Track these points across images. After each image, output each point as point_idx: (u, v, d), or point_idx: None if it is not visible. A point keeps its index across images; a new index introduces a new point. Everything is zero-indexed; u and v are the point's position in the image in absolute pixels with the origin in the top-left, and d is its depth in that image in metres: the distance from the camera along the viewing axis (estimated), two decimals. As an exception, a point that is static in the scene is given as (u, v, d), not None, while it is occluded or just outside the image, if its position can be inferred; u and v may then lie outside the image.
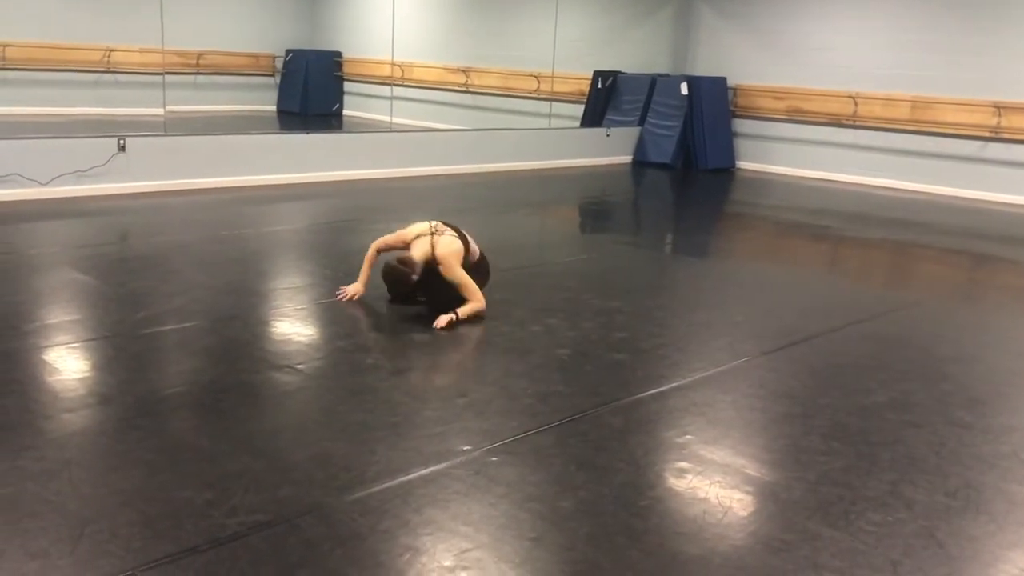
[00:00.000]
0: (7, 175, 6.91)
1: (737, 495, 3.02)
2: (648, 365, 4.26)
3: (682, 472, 3.16)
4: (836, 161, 11.31)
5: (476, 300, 4.67)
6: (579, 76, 12.34)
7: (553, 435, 3.39)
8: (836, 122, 11.24)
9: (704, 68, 12.21)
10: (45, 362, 3.92)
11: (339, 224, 7.35)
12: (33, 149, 7.17)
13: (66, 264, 5.58)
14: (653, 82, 12.05)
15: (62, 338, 4.22)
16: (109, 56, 12.49)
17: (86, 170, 7.33)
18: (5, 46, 11.60)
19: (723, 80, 11.95)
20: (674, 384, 3.99)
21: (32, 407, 3.44)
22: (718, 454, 3.31)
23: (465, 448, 3.22)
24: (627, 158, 12.10)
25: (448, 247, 4.76)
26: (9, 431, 3.20)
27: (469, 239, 4.96)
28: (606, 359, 4.28)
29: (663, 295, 5.80)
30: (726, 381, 4.08)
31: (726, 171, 11.89)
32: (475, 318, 4.67)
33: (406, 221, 7.66)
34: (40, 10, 11.64)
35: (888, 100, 10.79)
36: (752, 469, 3.24)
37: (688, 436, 3.45)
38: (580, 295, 5.43)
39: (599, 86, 12.23)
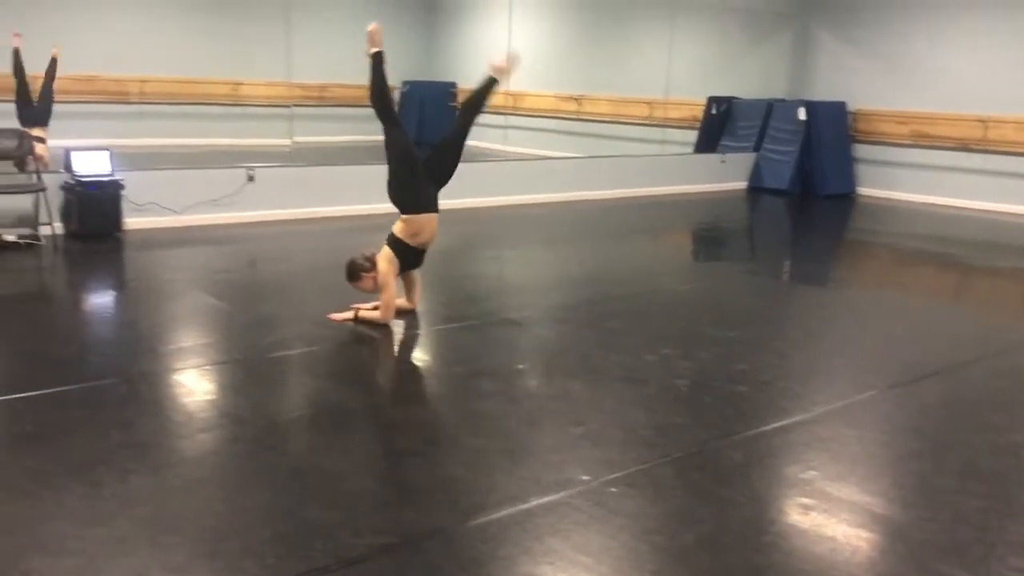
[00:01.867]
0: (146, 204, 7.32)
1: (865, 534, 2.92)
2: (769, 397, 4.17)
3: (806, 508, 3.08)
4: (963, 187, 10.85)
5: (385, 310, 4.94)
6: (692, 102, 12.24)
7: (672, 467, 3.35)
8: (964, 147, 10.79)
9: (822, 93, 11.94)
10: (181, 383, 4.12)
11: (454, 251, 7.47)
12: (170, 180, 7.57)
13: (199, 289, 5.86)
14: (769, 107, 11.85)
15: (196, 360, 4.43)
16: (238, 90, 13.11)
17: (218, 199, 7.70)
18: (143, 82, 12.32)
19: (842, 105, 11.66)
20: (797, 418, 3.90)
21: (169, 427, 3.62)
22: (844, 491, 3.21)
23: (584, 478, 3.21)
24: (742, 184, 11.92)
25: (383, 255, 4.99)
26: (149, 449, 3.37)
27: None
28: (725, 390, 4.21)
29: (783, 325, 5.67)
30: (851, 415, 3.96)
31: (846, 197, 11.56)
32: (373, 323, 4.95)
33: (518, 248, 7.78)
34: (175, 48, 12.31)
35: (1021, 124, 10.30)
36: (880, 507, 3.13)
37: (812, 472, 3.36)
38: (696, 324, 5.37)
39: (713, 112, 12.11)
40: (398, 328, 5.11)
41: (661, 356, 4.66)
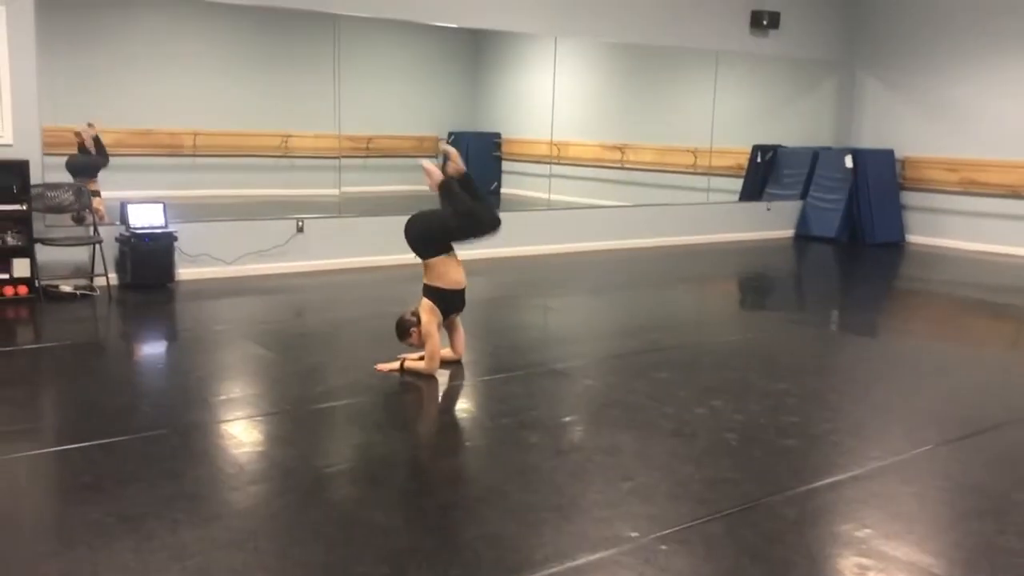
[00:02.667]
0: (198, 255, 7.47)
1: (926, 597, 2.83)
2: (821, 452, 4.09)
3: (863, 569, 3.00)
4: (1015, 234, 10.65)
5: (430, 360, 4.95)
6: (737, 150, 12.23)
7: (724, 524, 3.29)
8: (1016, 194, 10.62)
9: (870, 140, 11.86)
10: (230, 434, 4.16)
11: (499, 300, 7.50)
12: (221, 231, 7.72)
13: (248, 339, 5.93)
14: (815, 155, 11.80)
15: (245, 411, 4.48)
16: (287, 142, 13.37)
17: (267, 250, 7.83)
18: (196, 134, 12.64)
19: (890, 152, 11.56)
20: (851, 473, 3.81)
21: (220, 477, 3.65)
22: (901, 550, 3.12)
23: (633, 535, 3.17)
24: (789, 232, 11.83)
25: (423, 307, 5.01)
26: (199, 500, 3.40)
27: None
28: (776, 445, 4.14)
29: (834, 376, 5.57)
30: (907, 471, 3.86)
31: (895, 245, 11.41)
32: (419, 374, 4.99)
33: (563, 297, 7.77)
34: (226, 102, 12.63)
35: (1075, 169, 10.13)
36: (940, 569, 3.03)
37: (867, 530, 3.28)
38: (745, 375, 5.30)
39: (758, 160, 12.08)
40: (444, 379, 5.12)
41: (711, 408, 4.61)
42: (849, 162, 11.29)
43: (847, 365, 5.96)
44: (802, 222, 11.84)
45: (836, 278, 10.05)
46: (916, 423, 4.52)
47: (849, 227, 11.49)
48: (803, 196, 11.83)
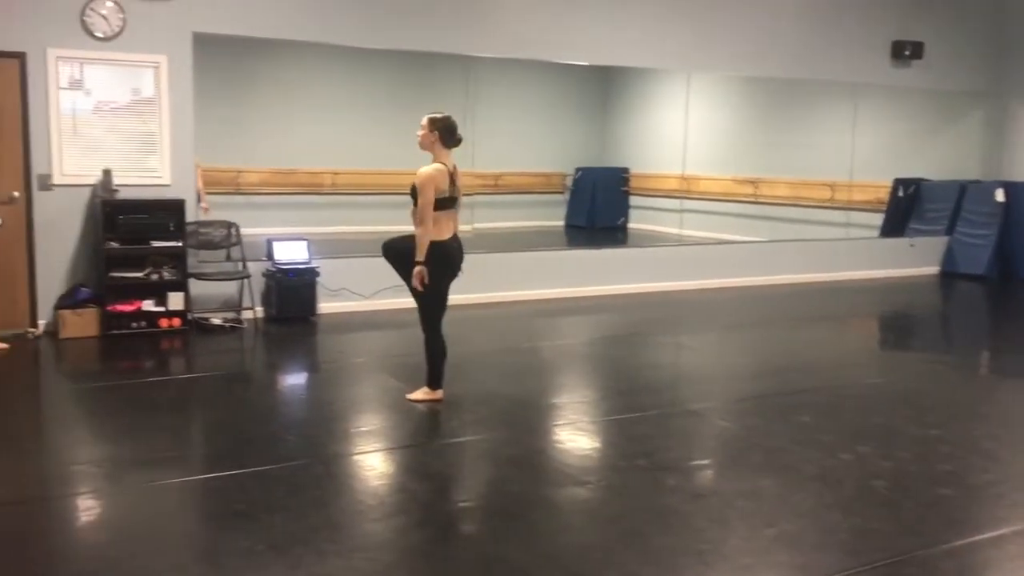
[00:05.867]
0: (338, 289, 7.73)
1: (1107, 668, 2.61)
2: (981, 504, 3.86)
3: (1034, 633, 2.79)
4: None
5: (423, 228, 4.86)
6: (877, 184, 11.80)
7: (876, 577, 3.14)
8: None
9: (1023, 172, 11.23)
10: (371, 466, 4.26)
11: (630, 338, 7.44)
12: (359, 267, 7.96)
13: (385, 371, 6.08)
14: (962, 189, 11.25)
15: (383, 443, 4.59)
16: (420, 179, 13.72)
17: (402, 285, 8.00)
18: (335, 173, 13.14)
19: (1045, 184, 10.92)
20: (1015, 527, 3.57)
21: (361, 509, 3.74)
22: (1077, 615, 2.90)
23: (779, 584, 3.06)
24: (933, 269, 11.29)
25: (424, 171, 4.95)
26: (342, 531, 3.48)
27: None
28: (929, 494, 3.93)
29: (990, 423, 5.24)
30: (1079, 528, 3.59)
31: (1052, 282, 10.73)
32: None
33: (696, 335, 7.64)
34: (363, 141, 13.09)
35: None
36: (1123, 638, 2.79)
37: (1037, 591, 3.06)
38: (892, 420, 5.06)
39: (900, 194, 11.61)
40: (577, 416, 5.10)
41: (856, 454, 4.41)
42: (1001, 196, 10.72)
43: (1002, 410, 5.60)
44: (948, 258, 11.28)
45: (987, 317, 9.51)
46: (1086, 476, 4.21)
47: (1000, 263, 10.87)
48: (949, 231, 11.28)
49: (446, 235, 5.07)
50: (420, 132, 5.11)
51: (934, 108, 11.90)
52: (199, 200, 7.62)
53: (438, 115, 5.11)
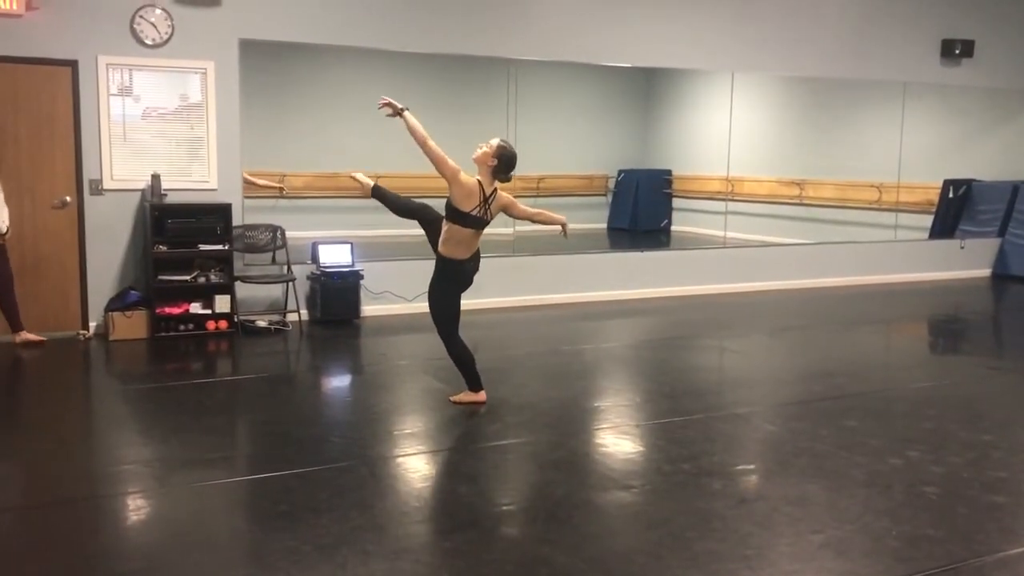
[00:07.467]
0: (381, 292, 7.79)
1: None
2: (1036, 512, 3.76)
3: (1093, 645, 2.72)
4: None
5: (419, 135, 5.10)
6: (925, 185, 11.59)
7: (928, 585, 3.07)
8: None
9: (1078, 172, 10.97)
10: (414, 468, 4.27)
11: (675, 341, 7.38)
12: (402, 269, 8.01)
13: (427, 374, 6.10)
14: (1015, 189, 11.01)
15: (426, 445, 4.61)
16: (462, 182, 13.76)
17: (445, 287, 8.04)
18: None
19: (1102, 184, 10.65)
20: (1072, 537, 3.48)
21: (405, 510, 3.76)
22: None
23: (827, 591, 3.01)
24: (985, 271, 11.06)
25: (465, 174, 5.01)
26: (386, 532, 3.49)
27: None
28: (982, 501, 3.84)
29: (1044, 429, 5.12)
30: None
31: (1109, 285, 10.46)
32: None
33: (741, 338, 7.55)
34: (403, 145, 13.17)
35: None
36: None
37: (1096, 602, 2.98)
38: (943, 425, 4.96)
39: (950, 195, 11.39)
40: (621, 420, 5.07)
41: (906, 459, 4.33)
42: (1054, 196, 10.48)
43: (1060, 417, 5.47)
44: (1000, 261, 11.05)
45: (1041, 321, 9.30)
46: None
47: (1055, 266, 10.63)
48: (1001, 233, 11.05)
49: (464, 255, 5.07)
50: (483, 149, 5.04)
51: (985, 107, 11.66)
52: (268, 188, 7.87)
53: (507, 145, 5.06)
